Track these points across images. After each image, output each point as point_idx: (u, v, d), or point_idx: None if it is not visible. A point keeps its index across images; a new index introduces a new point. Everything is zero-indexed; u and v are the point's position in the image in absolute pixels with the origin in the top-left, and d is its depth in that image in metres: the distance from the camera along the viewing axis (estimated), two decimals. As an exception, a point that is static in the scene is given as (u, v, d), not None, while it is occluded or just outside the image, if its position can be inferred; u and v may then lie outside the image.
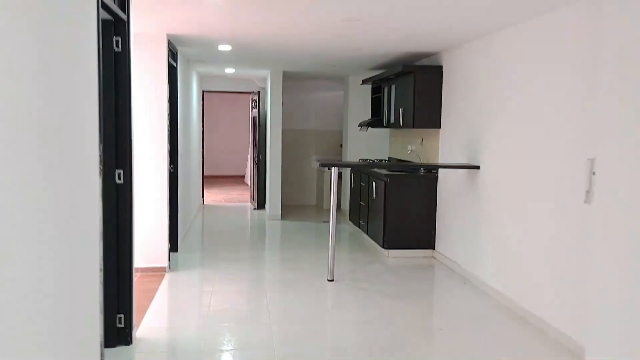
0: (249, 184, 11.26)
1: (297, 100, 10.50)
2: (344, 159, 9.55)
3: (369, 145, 9.06)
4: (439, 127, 6.39)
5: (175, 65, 6.22)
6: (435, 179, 6.42)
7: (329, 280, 5.31)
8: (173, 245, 6.32)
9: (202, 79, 10.21)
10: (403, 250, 6.39)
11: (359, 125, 8.25)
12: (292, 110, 10.41)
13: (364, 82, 8.16)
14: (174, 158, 6.26)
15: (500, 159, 4.95)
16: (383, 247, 6.40)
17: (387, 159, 8.67)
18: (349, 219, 8.26)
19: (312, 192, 10.70)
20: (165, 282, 5.21)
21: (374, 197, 6.77)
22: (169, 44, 5.64)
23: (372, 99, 8.34)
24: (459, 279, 5.52)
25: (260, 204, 9.93)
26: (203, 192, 10.77)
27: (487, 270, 5.11)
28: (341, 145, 10.21)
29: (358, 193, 7.67)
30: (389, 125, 7.44)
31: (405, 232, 6.39)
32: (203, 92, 10.55)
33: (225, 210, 9.99)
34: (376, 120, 7.91)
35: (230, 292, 5.04)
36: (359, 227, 7.55)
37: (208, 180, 13.90)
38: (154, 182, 5.50)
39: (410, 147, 7.35)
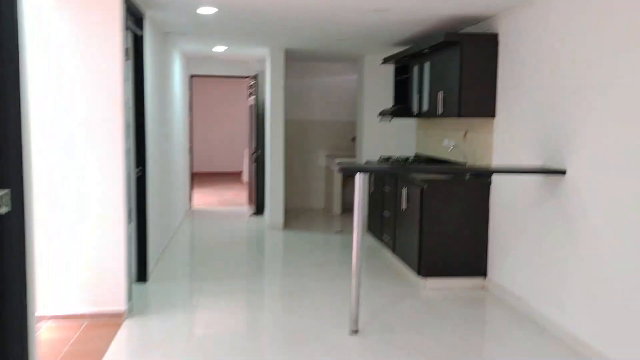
0: (247, 183, 9.70)
1: (302, 85, 8.92)
2: (358, 156, 7.97)
3: (390, 139, 7.49)
4: (493, 116, 4.82)
5: (141, 35, 4.66)
6: (487, 186, 4.86)
7: (352, 332, 3.78)
8: (141, 274, 4.81)
9: (189, 61, 8.63)
10: (445, 278, 4.84)
11: (379, 115, 6.67)
12: (296, 97, 8.84)
13: (386, 60, 6.56)
14: (141, 158, 4.74)
15: (604, 162, 3.37)
16: (419, 273, 4.85)
17: (413, 156, 7.08)
18: (368, 229, 6.70)
19: (320, 193, 9.14)
20: (120, 337, 3.67)
21: (404, 206, 5.21)
22: (128, 2, 4.06)
23: (396, 82, 6.75)
24: (526, 322, 3.97)
25: (259, 208, 8.38)
26: (192, 195, 9.23)
27: (576, 317, 3.56)
28: (354, 139, 8.64)
29: (380, 199, 6.10)
30: (420, 115, 5.87)
31: (448, 254, 4.84)
32: (192, 76, 8.99)
33: (218, 217, 8.42)
34: (402, 107, 6.34)
35: (213, 355, 3.50)
36: (382, 242, 6.00)
37: (200, 177, 12.37)
38: (102, 194, 3.91)
39: (449, 142, 5.78)
